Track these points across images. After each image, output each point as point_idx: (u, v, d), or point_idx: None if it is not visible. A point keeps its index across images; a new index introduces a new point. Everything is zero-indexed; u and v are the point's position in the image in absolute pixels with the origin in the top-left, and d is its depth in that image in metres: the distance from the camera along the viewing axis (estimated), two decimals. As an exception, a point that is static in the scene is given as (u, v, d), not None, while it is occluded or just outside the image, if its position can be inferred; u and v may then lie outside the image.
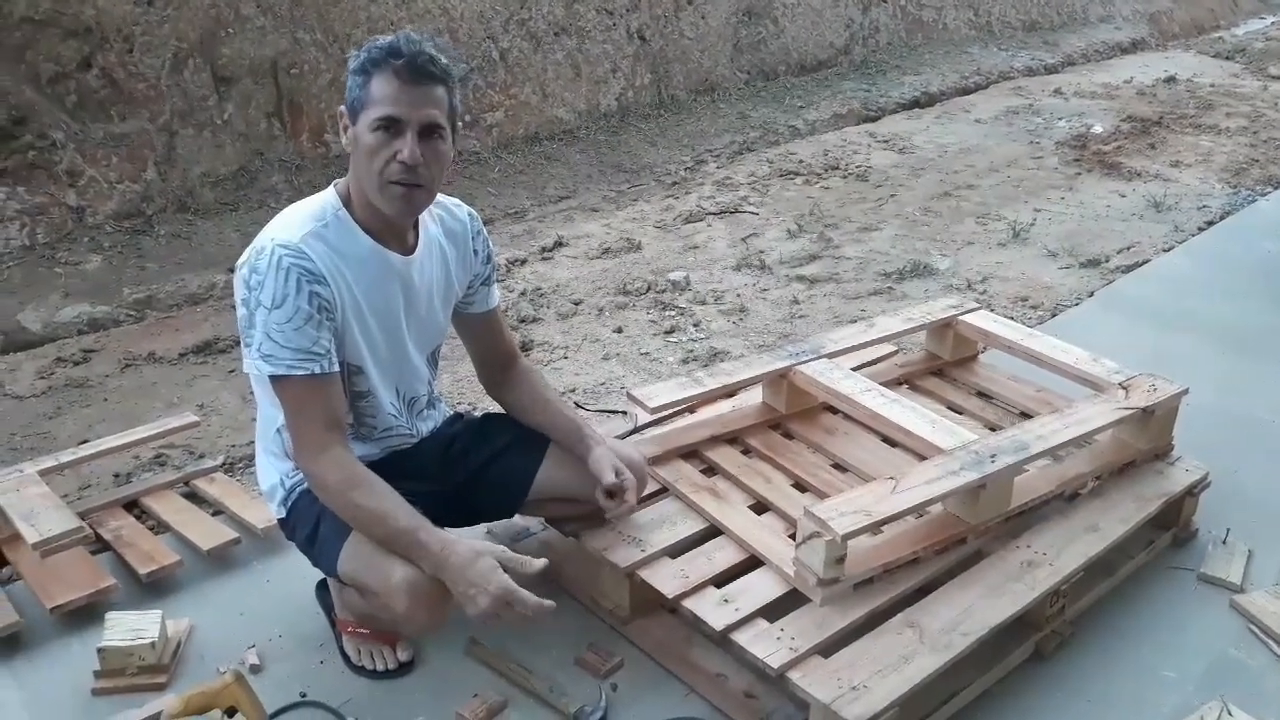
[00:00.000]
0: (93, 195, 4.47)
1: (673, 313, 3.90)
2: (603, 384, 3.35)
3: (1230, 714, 1.93)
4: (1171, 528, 2.43)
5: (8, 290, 3.93)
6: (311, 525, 1.89)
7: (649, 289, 4.11)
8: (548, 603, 1.74)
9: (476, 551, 1.74)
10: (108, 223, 4.47)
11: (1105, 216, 5.01)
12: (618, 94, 6.71)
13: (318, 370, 1.78)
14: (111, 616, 2.06)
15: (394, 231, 1.90)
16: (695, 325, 3.79)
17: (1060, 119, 6.98)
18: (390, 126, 1.75)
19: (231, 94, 4.95)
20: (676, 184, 5.61)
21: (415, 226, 1.95)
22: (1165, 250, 4.53)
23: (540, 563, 1.78)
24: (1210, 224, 4.87)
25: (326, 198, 1.87)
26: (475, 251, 2.07)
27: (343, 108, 1.82)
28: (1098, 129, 6.63)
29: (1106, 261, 4.38)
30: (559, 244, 4.62)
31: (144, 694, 1.98)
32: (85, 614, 2.16)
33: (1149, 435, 2.43)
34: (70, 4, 4.42)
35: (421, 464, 2.06)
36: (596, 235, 4.75)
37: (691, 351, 3.57)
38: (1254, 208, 5.09)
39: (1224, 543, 2.43)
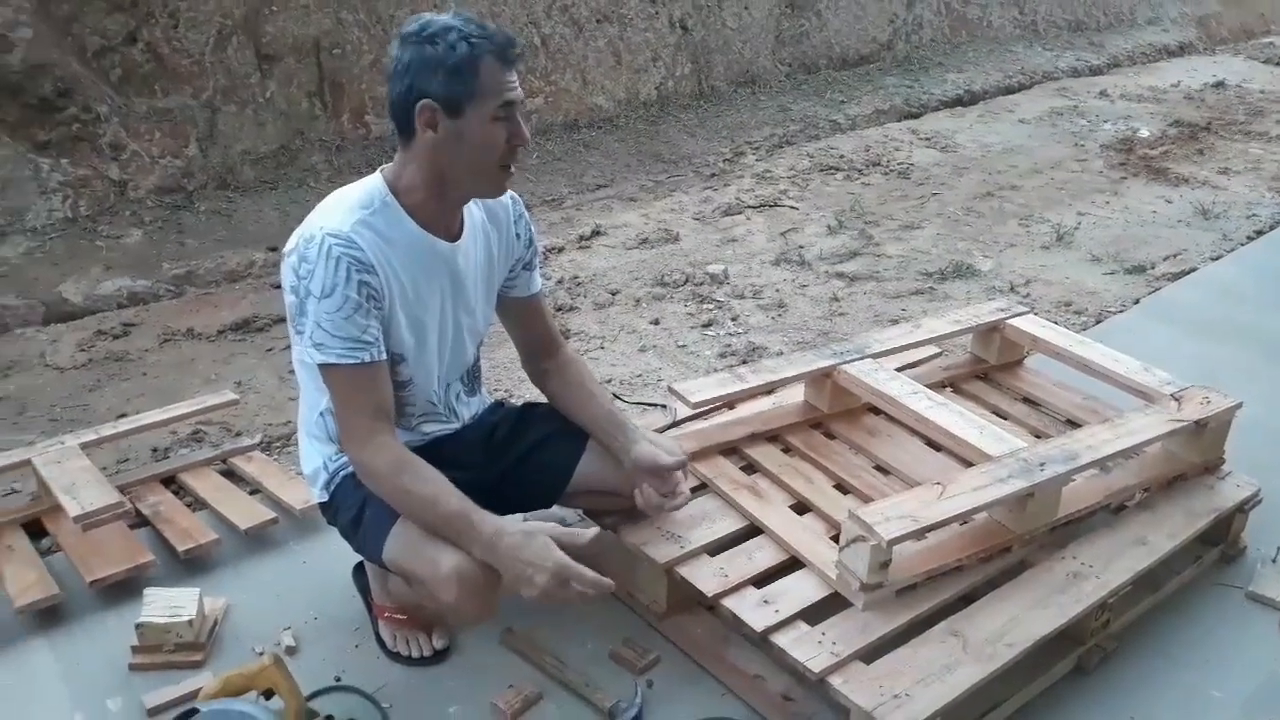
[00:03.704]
0: (135, 169, 4.49)
1: (710, 306, 3.87)
2: (639, 375, 3.33)
3: (1279, 738, 1.89)
4: (1220, 544, 2.39)
5: (50, 262, 3.96)
6: (355, 510, 1.88)
7: (687, 281, 4.08)
8: (606, 580, 1.75)
9: (529, 531, 1.75)
10: (149, 197, 4.49)
11: (1151, 222, 4.93)
12: (658, 83, 6.67)
13: (367, 359, 1.77)
14: (150, 592, 2.07)
15: (442, 219, 1.88)
16: (733, 319, 3.76)
17: (1106, 121, 6.88)
18: (508, 114, 1.75)
19: (274, 72, 4.96)
20: (715, 175, 5.57)
21: (461, 213, 1.93)
22: (1213, 259, 4.45)
23: (590, 533, 1.80)
24: (1260, 233, 4.78)
25: (373, 184, 1.84)
26: (518, 235, 2.05)
27: (426, 101, 1.72)
28: (1144, 133, 6.53)
29: (1152, 268, 4.31)
30: (596, 233, 4.60)
31: (180, 671, 1.99)
32: (123, 589, 2.17)
33: (1200, 449, 2.39)
34: (118, -23, 4.44)
35: (463, 452, 2.04)
36: (634, 225, 4.73)
37: (729, 346, 3.54)
38: (1305, 218, 4.99)
39: (1274, 561, 2.39)
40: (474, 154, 1.76)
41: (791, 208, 5.04)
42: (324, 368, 1.78)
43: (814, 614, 1.94)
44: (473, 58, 1.70)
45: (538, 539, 1.74)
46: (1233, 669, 2.09)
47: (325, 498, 1.97)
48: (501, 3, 5.87)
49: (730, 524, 2.19)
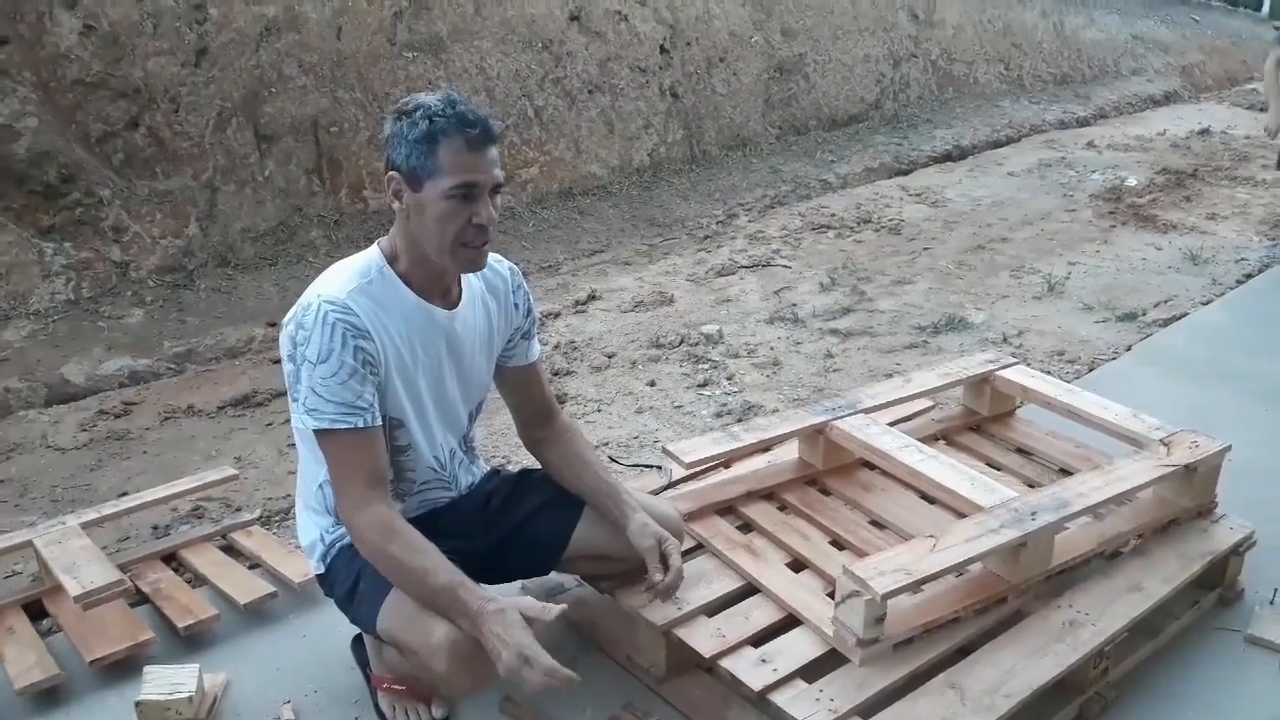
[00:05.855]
0: (136, 250, 4.57)
1: (706, 366, 3.90)
2: (636, 437, 3.35)
3: (1284, 783, 1.87)
4: (1216, 587, 2.38)
5: (52, 344, 4.02)
6: (351, 582, 1.90)
7: (682, 342, 4.12)
8: (565, 671, 1.68)
9: (503, 607, 1.72)
10: (150, 277, 4.56)
11: (1141, 269, 4.98)
12: (650, 149, 6.79)
13: (361, 424, 1.80)
14: (149, 670, 2.07)
15: (438, 286, 1.92)
16: (728, 378, 3.79)
17: (1094, 171, 6.98)
18: (467, 193, 1.78)
19: (273, 151, 5.06)
20: (708, 238, 5.65)
21: (458, 281, 1.98)
22: (1203, 303, 4.49)
23: (558, 608, 1.75)
24: (1249, 277, 4.84)
25: (371, 255, 1.90)
26: (516, 305, 2.09)
27: (394, 173, 1.80)
28: (1132, 181, 6.62)
29: (1143, 315, 4.35)
30: (592, 297, 4.66)
31: (180, 749, 1.98)
32: (123, 667, 2.17)
33: (1192, 493, 2.40)
34: (120, 66, 4.56)
35: (459, 520, 2.06)
36: (629, 288, 4.79)
37: (725, 405, 3.56)
38: (1293, 261, 5.05)
39: (1271, 603, 2.38)
40: (431, 229, 1.80)
41: (784, 267, 5.10)
42: (319, 433, 1.80)
43: (812, 671, 1.94)
44: (432, 134, 1.75)
45: (508, 614, 1.70)
46: (1235, 715, 2.08)
47: (322, 569, 1.99)
48: (495, 78, 6.01)
49: (727, 584, 2.20)
